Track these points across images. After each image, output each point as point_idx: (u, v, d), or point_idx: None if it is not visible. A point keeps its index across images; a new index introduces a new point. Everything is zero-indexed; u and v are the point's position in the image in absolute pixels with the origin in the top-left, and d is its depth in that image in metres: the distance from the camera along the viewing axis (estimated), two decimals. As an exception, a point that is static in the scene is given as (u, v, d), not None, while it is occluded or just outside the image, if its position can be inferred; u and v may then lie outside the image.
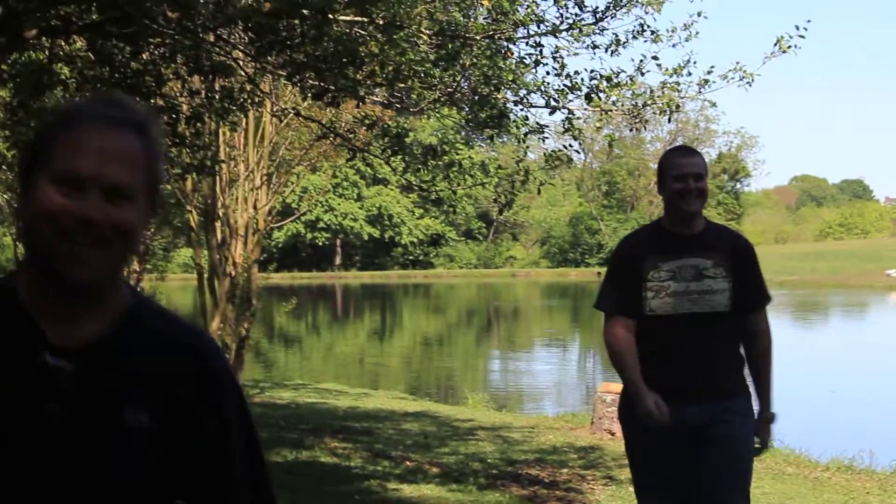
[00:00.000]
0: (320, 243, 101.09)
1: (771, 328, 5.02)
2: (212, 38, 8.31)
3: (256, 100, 9.97)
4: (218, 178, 17.32)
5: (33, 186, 1.82)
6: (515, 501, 8.66)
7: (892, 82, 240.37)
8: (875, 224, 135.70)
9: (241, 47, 8.62)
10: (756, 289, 4.97)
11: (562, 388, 25.18)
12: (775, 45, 9.17)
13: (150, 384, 1.91)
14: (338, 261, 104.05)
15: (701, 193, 4.79)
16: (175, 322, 2.02)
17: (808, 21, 8.96)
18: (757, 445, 4.91)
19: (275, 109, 15.30)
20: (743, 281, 4.85)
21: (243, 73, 9.29)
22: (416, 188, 11.37)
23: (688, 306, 4.75)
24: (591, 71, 9.30)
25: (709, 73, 9.48)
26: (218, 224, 18.18)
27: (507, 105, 9.49)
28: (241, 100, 9.34)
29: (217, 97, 9.21)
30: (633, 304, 4.81)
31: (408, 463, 10.43)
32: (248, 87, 9.47)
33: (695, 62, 9.50)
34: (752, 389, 4.99)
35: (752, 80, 9.46)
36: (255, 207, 18.65)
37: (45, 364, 1.82)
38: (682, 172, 4.77)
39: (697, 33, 9.38)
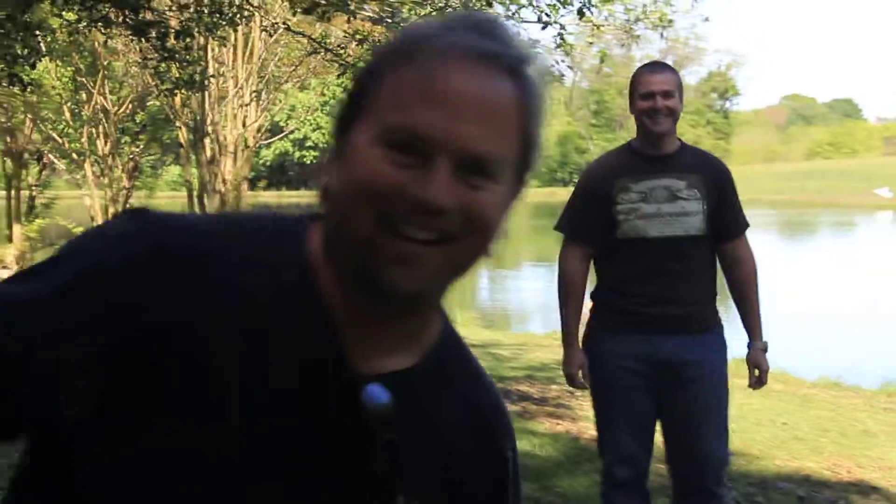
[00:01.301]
0: (308, 161, 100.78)
1: (754, 255, 4.83)
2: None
3: (246, 14, 9.85)
4: (207, 94, 17.22)
5: (350, 146, 1.25)
6: (505, 416, 8.71)
7: (885, 1, 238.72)
8: (865, 143, 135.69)
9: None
10: (734, 214, 4.75)
11: (550, 306, 25.24)
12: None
13: (448, 457, 1.39)
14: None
15: (670, 112, 4.56)
16: (478, 377, 1.48)
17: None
18: (757, 377, 4.76)
19: (264, 24, 15.17)
20: (720, 206, 4.65)
21: (233, -13, 9.18)
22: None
23: (660, 228, 4.54)
24: (585, -14, 9.21)
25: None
26: (207, 141, 18.11)
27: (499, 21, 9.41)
28: (231, 14, 9.22)
29: (206, 11, 9.10)
30: (599, 228, 4.61)
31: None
32: (238, 1, 9.36)
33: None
34: (728, 321, 4.82)
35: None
36: (244, 124, 18.56)
37: (350, 397, 1.29)
38: (649, 90, 4.56)
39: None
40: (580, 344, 4.71)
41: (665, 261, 4.57)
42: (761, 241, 48.13)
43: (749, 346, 4.78)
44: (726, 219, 4.70)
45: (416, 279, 1.22)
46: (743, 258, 4.77)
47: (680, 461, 4.69)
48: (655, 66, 4.78)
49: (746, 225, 4.83)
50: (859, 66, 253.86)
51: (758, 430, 8.81)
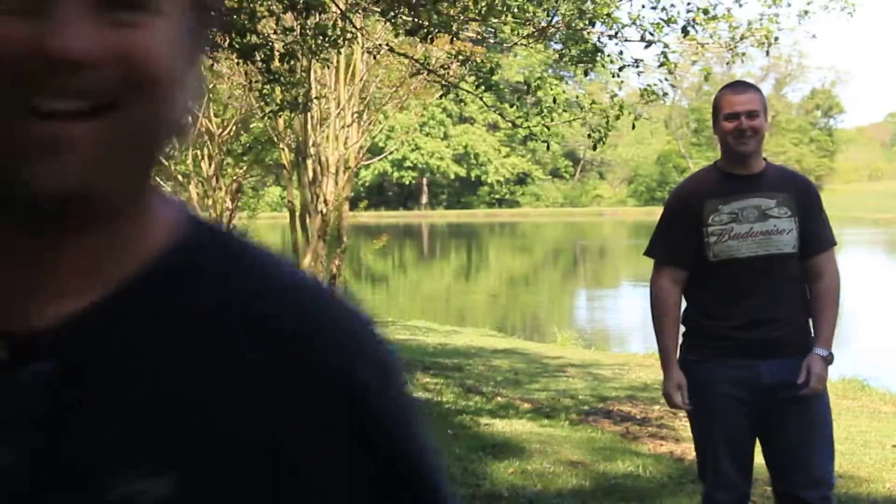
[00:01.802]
0: (407, 182, 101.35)
1: (838, 271, 4.70)
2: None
3: (349, 37, 9.98)
4: (310, 116, 17.45)
5: None
6: (608, 437, 8.68)
7: None
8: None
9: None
10: (821, 229, 4.67)
11: (650, 326, 25.02)
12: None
13: (190, 412, 0.92)
14: (424, 199, 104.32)
15: (755, 132, 4.51)
16: (268, 278, 0.99)
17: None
18: (806, 381, 4.48)
19: (367, 46, 15.33)
20: (807, 221, 4.59)
21: (336, 10, 9.30)
22: (506, 125, 11.35)
23: (753, 248, 4.50)
24: (688, 3, 9.15)
25: (809, 3, 9.28)
26: (309, 162, 18.33)
27: (602, 40, 9.39)
28: (334, 37, 9.34)
29: (310, 34, 9.24)
30: (691, 252, 4.58)
31: (499, 398, 10.49)
32: (341, 24, 9.48)
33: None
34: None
35: (854, 10, 9.24)
36: (345, 145, 18.75)
37: None
38: (734, 111, 4.52)
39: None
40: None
41: (759, 281, 4.52)
42: (865, 259, 47.29)
43: (811, 351, 4.58)
44: (813, 234, 4.63)
45: (66, 172, 0.84)
46: (828, 272, 4.66)
47: (785, 484, 4.62)
48: (738, 86, 4.74)
49: (833, 242, 4.74)
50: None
51: (866, 453, 8.65)
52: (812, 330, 4.66)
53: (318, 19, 9.17)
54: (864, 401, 11.47)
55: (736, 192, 4.57)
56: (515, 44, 9.37)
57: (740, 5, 9.26)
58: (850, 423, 9.23)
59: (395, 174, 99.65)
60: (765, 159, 4.71)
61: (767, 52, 9.81)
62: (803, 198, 4.64)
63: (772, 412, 4.53)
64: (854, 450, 8.50)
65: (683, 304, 4.76)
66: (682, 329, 4.76)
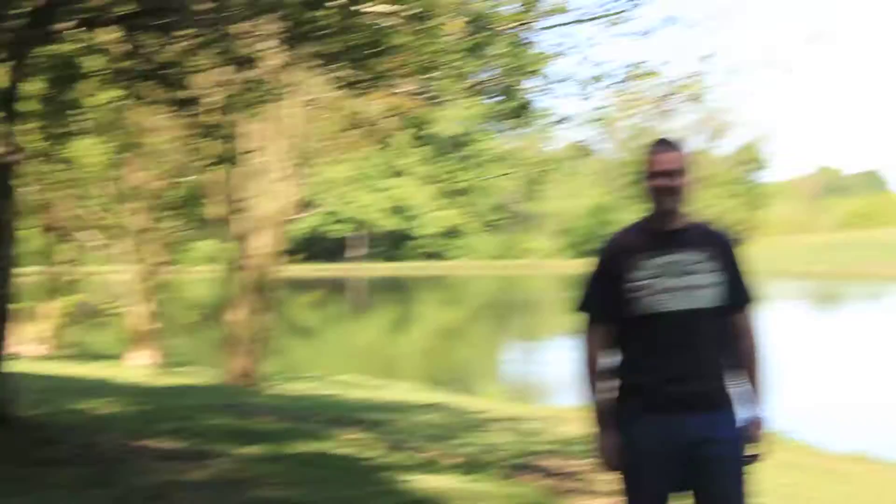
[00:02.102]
0: (340, 235, 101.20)
1: (757, 327, 4.80)
2: (242, 29, 8.35)
3: (283, 91, 10.00)
4: (242, 169, 17.39)
5: None
6: (532, 492, 8.66)
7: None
8: (893, 215, 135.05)
9: (276, 37, 8.63)
10: (741, 285, 4.75)
11: (576, 379, 24.98)
12: (806, 39, 9.14)
13: None
14: (356, 252, 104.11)
15: (679, 190, 4.62)
16: None
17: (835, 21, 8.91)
18: (752, 453, 4.64)
19: (302, 100, 15.36)
20: (730, 278, 4.67)
21: (270, 65, 9.32)
22: (439, 178, 11.42)
23: (675, 303, 4.57)
24: (620, 61, 9.30)
25: (736, 63, 9.46)
26: (241, 215, 18.25)
27: (532, 95, 9.50)
28: (270, 91, 9.36)
29: (246, 88, 9.24)
30: (617, 306, 4.64)
31: (424, 454, 10.43)
32: (276, 79, 9.50)
33: (722, 52, 9.47)
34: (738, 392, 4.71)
35: (790, 69, 9.42)
36: (278, 199, 18.69)
37: None
38: (660, 169, 4.63)
39: (728, 23, 9.33)
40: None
41: (682, 335, 4.58)
42: (791, 312, 47.88)
43: (746, 419, 4.67)
44: (735, 290, 4.71)
45: None
46: (747, 330, 4.75)
47: None
48: (665, 145, 4.77)
49: (752, 297, 4.81)
50: (882, 138, 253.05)
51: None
52: (741, 388, 4.71)
53: (253, 73, 9.18)
54: (783, 453, 11.61)
55: (660, 248, 4.64)
56: (448, 99, 9.44)
57: (669, 63, 9.42)
58: (774, 476, 9.31)
59: (328, 227, 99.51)
60: (688, 215, 4.80)
61: (695, 108, 9.99)
62: (725, 254, 4.72)
63: (696, 468, 4.56)
64: (775, 503, 8.60)
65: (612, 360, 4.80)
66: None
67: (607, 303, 4.69)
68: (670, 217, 4.69)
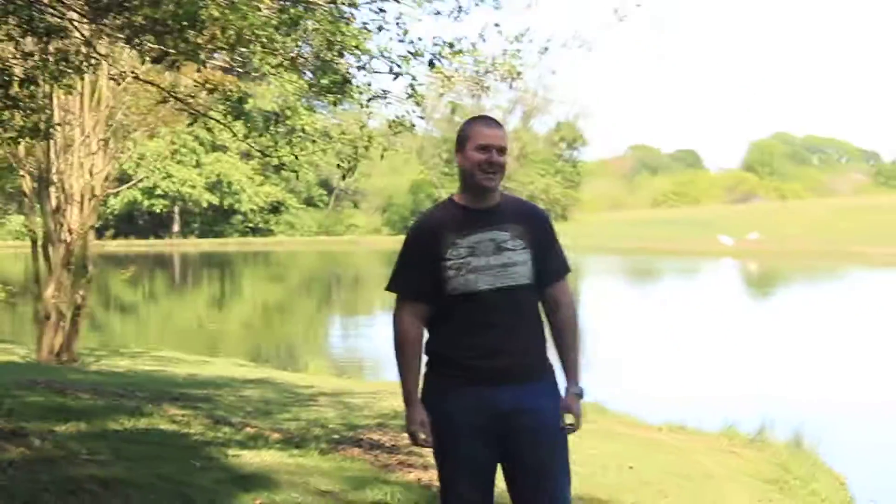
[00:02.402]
0: (158, 210, 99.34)
1: (573, 299, 4.86)
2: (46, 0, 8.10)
3: (93, 63, 9.71)
4: (53, 142, 16.90)
5: None
6: (359, 465, 8.70)
7: (724, 55, 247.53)
8: (707, 192, 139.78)
9: (77, 9, 8.38)
10: (555, 259, 4.79)
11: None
12: (615, 13, 9.31)
13: None
14: (176, 228, 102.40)
15: (501, 167, 4.64)
16: None
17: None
18: (570, 423, 4.68)
19: (112, 73, 14.99)
20: (542, 252, 4.71)
21: (79, 36, 9.05)
22: (257, 154, 11.28)
23: (490, 281, 4.58)
24: (434, 37, 9.32)
25: (548, 41, 9.60)
26: (52, 190, 17.74)
27: (350, 71, 9.46)
28: (77, 62, 9.09)
29: (52, 59, 8.96)
30: (430, 286, 4.64)
31: (248, 429, 10.34)
32: (84, 50, 9.23)
33: (534, 30, 9.58)
34: (557, 365, 4.80)
35: (591, 48, 9.60)
36: (91, 173, 18.23)
37: None
38: (487, 143, 4.63)
39: (538, 1, 9.44)
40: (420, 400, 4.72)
41: (497, 313, 4.60)
42: (607, 286, 49.05)
43: (565, 390, 4.74)
44: (548, 264, 4.75)
45: None
46: (563, 302, 4.79)
47: None
48: (490, 121, 4.79)
49: (568, 269, 4.87)
50: (701, 118, 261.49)
51: (604, 475, 8.97)
52: (560, 361, 4.78)
53: (60, 44, 8.91)
54: (602, 423, 11.92)
55: (473, 226, 4.65)
56: (264, 74, 9.31)
57: (484, 40, 9.48)
58: (588, 445, 9.53)
59: (146, 202, 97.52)
60: (501, 192, 4.83)
61: (511, 86, 10.11)
62: (538, 230, 4.75)
63: (510, 438, 4.61)
64: (593, 472, 8.81)
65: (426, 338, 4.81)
66: (426, 362, 4.80)
67: (419, 282, 4.69)
68: (487, 194, 4.71)
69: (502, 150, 4.66)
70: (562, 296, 4.80)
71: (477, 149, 4.65)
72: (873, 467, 12.87)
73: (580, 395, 4.72)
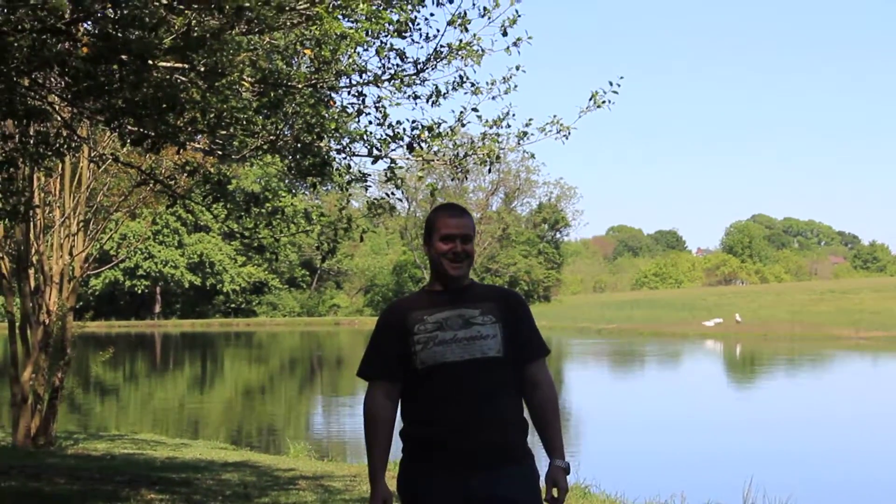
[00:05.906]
0: (139, 291, 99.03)
1: (552, 379, 4.84)
2: (26, 82, 8.12)
3: (73, 145, 9.74)
4: (32, 224, 16.88)
5: None
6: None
7: (702, 138, 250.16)
8: (688, 274, 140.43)
9: (57, 92, 8.41)
10: (531, 339, 4.78)
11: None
12: (590, 99, 9.37)
13: None
14: (157, 309, 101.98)
15: (468, 256, 4.69)
16: None
17: (622, 77, 9.16)
18: (555, 496, 4.60)
19: (92, 155, 15.01)
20: (516, 331, 4.70)
21: (59, 118, 9.08)
22: (238, 235, 11.28)
23: (459, 353, 4.57)
24: (413, 121, 9.37)
25: (527, 125, 9.65)
26: (31, 271, 17.67)
27: (331, 154, 9.50)
28: (57, 145, 9.11)
29: (32, 142, 8.98)
30: (399, 363, 4.64)
31: (226, 514, 10.24)
32: (65, 133, 9.25)
33: (514, 114, 9.63)
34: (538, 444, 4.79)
35: (569, 134, 9.65)
36: (70, 254, 18.19)
37: None
38: (450, 233, 4.70)
39: (516, 86, 9.48)
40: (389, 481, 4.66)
41: (468, 382, 4.58)
42: (589, 369, 48.97)
43: (549, 464, 4.69)
44: (522, 342, 4.74)
45: None
46: (542, 381, 4.76)
47: None
48: (454, 210, 4.85)
49: (546, 350, 4.85)
50: (682, 200, 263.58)
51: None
52: (542, 440, 4.76)
53: (40, 127, 8.93)
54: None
55: (442, 305, 4.68)
56: (245, 156, 9.34)
57: (463, 125, 9.54)
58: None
59: (128, 282, 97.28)
60: (471, 279, 4.85)
61: (490, 170, 10.16)
62: (509, 309, 4.76)
63: None
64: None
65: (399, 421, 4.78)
66: (401, 448, 4.76)
67: (390, 360, 4.68)
68: (458, 283, 4.74)
69: (467, 239, 4.70)
70: (540, 375, 4.77)
71: (442, 239, 4.71)
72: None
73: (566, 469, 4.67)
